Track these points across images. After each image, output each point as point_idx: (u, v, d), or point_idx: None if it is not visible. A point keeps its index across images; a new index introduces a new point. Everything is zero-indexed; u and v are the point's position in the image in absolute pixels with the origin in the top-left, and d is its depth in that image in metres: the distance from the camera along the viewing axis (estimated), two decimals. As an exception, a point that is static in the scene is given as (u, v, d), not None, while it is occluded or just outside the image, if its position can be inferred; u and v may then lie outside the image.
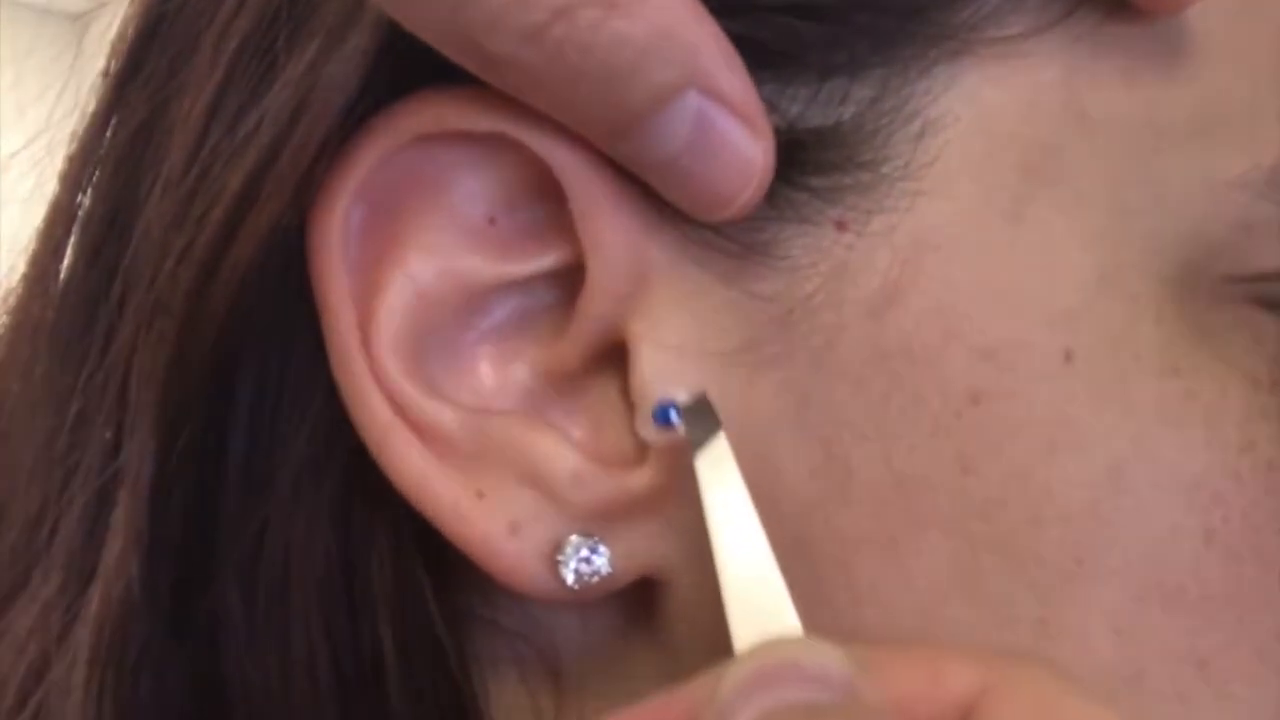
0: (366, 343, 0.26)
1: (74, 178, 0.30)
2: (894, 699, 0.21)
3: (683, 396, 0.25)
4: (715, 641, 0.26)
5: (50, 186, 0.31)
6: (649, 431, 0.25)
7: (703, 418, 0.25)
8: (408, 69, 0.25)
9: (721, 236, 0.26)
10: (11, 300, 0.31)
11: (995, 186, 0.25)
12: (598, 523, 0.26)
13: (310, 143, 0.25)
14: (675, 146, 0.24)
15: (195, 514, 0.26)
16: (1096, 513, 0.25)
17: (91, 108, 0.30)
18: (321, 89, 0.25)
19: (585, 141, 0.25)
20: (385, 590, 0.26)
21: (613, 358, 0.26)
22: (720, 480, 0.24)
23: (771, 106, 0.25)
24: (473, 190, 0.26)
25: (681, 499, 0.26)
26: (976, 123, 0.25)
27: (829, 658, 0.20)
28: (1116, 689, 0.24)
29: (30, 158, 0.34)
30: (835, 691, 0.20)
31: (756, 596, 0.23)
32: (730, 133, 0.24)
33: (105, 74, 0.30)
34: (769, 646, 0.21)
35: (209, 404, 0.26)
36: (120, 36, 0.30)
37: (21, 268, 0.31)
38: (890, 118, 0.25)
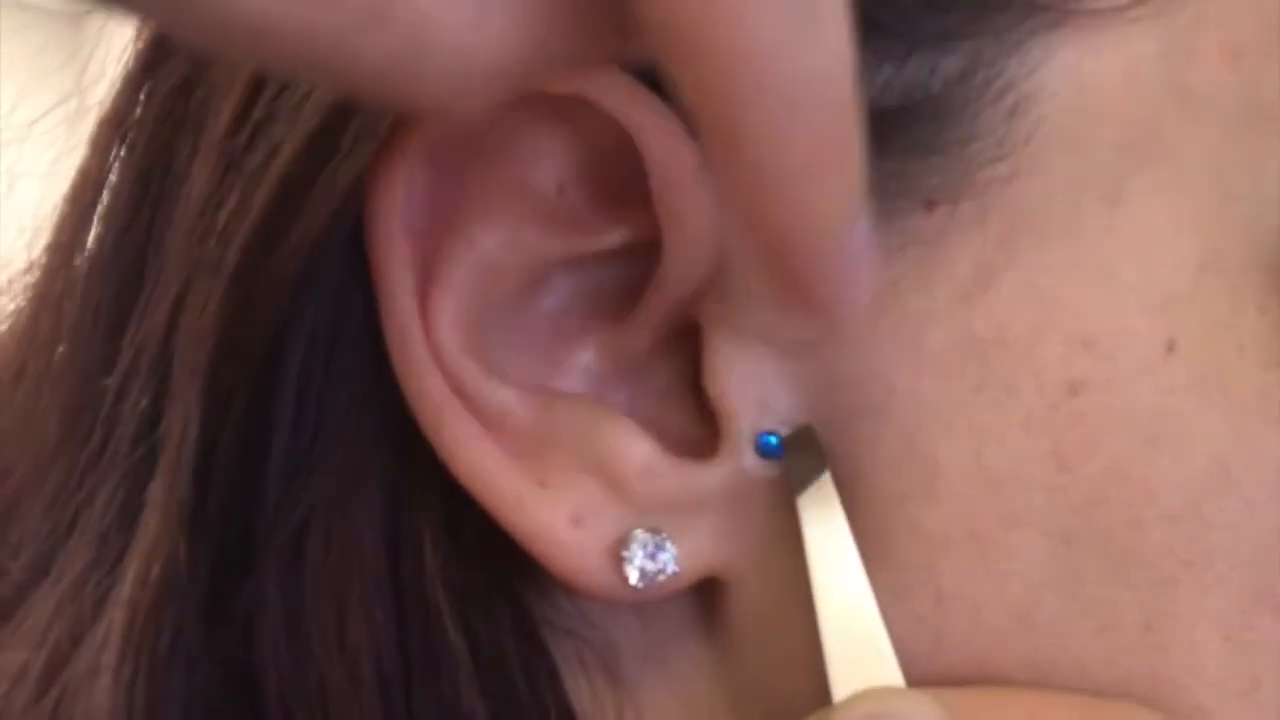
0: (425, 315, 0.24)
1: (105, 142, 0.28)
2: None
3: (784, 429, 0.24)
4: (777, 650, 0.25)
5: (66, 160, 0.29)
6: (751, 463, 0.24)
7: (806, 453, 0.24)
8: None
9: None
10: (32, 274, 0.29)
11: (1093, 166, 0.24)
12: (665, 517, 0.24)
13: None
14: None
15: (236, 496, 0.24)
16: (1200, 514, 0.23)
17: (125, 70, 0.28)
18: None
19: (668, 110, 0.23)
20: (447, 586, 0.25)
21: (682, 340, 0.25)
22: (823, 522, 0.23)
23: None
24: (543, 156, 0.25)
25: (755, 496, 0.24)
26: (1073, 98, 0.24)
27: (930, 711, 0.20)
28: (1231, 702, 0.23)
29: (46, 129, 0.32)
30: None
31: (857, 645, 0.23)
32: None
33: (138, 38, 0.29)
34: (868, 697, 0.21)
35: (257, 374, 0.24)
36: None
37: (43, 240, 0.29)
38: (981, 92, 0.24)
